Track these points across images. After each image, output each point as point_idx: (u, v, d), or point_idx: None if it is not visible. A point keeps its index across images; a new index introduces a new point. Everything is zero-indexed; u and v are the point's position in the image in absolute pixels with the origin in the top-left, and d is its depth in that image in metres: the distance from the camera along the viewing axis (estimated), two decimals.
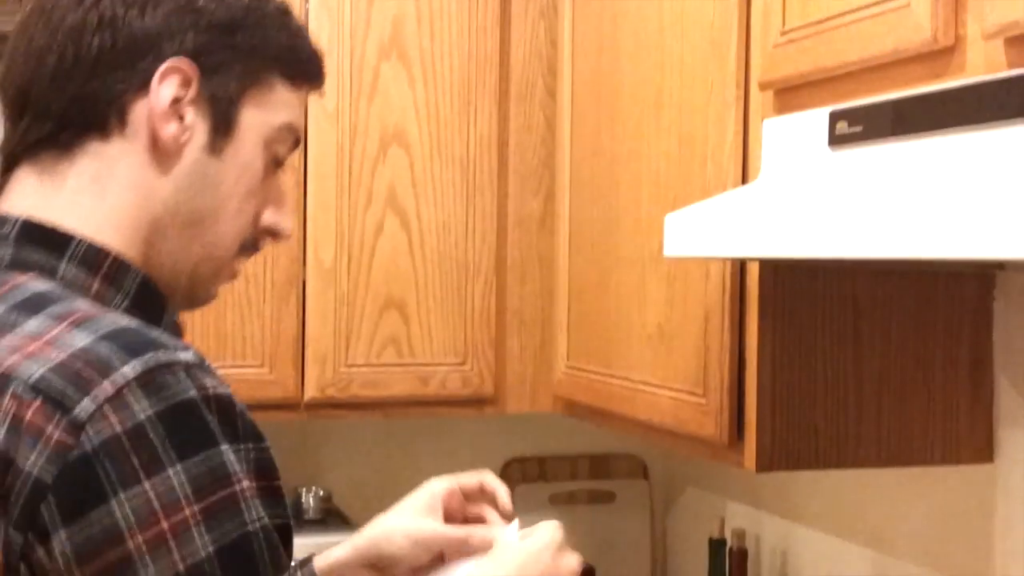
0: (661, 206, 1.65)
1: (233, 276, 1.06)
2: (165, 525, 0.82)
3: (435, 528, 1.29)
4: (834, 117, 1.27)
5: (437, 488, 1.33)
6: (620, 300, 1.85)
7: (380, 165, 2.03)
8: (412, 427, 2.42)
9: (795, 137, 1.36)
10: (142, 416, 0.82)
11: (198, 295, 1.04)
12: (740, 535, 2.11)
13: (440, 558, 1.31)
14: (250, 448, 0.88)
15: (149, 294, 0.97)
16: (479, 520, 1.33)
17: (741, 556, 2.09)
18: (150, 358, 0.84)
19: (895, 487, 1.86)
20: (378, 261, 2.04)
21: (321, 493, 2.21)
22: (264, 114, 1.01)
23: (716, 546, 2.16)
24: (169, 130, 0.96)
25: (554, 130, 2.11)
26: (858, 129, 1.24)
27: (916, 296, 1.54)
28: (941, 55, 1.17)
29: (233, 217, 1.00)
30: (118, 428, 0.81)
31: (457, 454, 2.46)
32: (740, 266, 1.53)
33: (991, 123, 1.07)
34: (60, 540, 0.80)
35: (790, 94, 1.42)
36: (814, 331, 1.50)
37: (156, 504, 0.81)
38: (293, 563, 1.27)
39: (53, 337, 0.85)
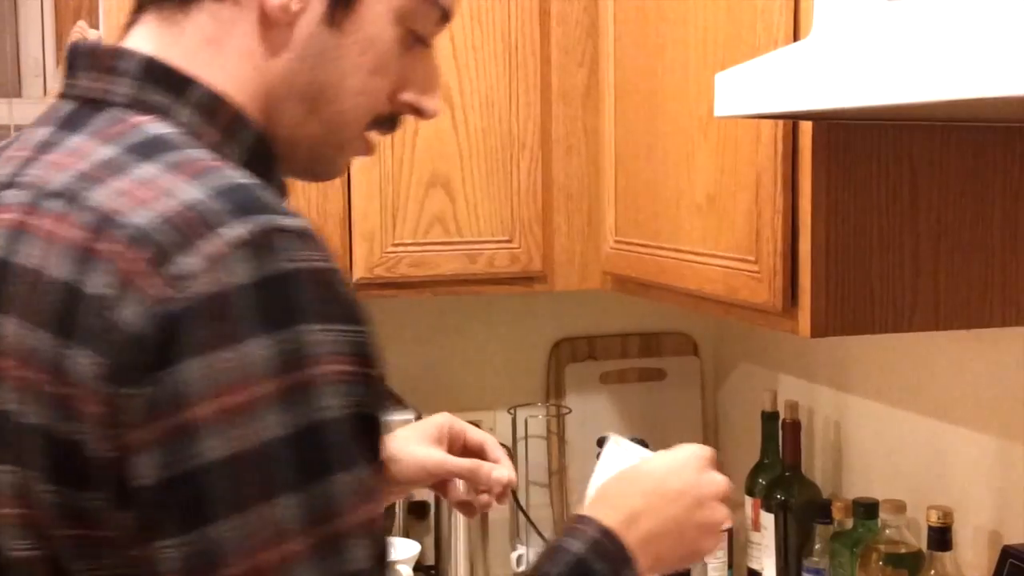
0: (709, 70, 1.61)
1: (367, 152, 1.01)
2: (240, 398, 0.77)
3: (444, 457, 1.29)
4: None
5: (442, 420, 1.33)
6: (668, 170, 1.82)
7: None
8: (462, 308, 2.42)
9: None
10: (238, 280, 0.77)
11: (319, 169, 1.01)
12: (793, 407, 2.10)
13: (441, 485, 1.34)
14: (344, 330, 0.81)
15: (263, 152, 0.93)
16: (479, 455, 1.35)
17: (794, 428, 2.08)
18: (260, 220, 0.79)
19: (950, 352, 1.84)
20: (422, 137, 2.01)
21: None
22: None
23: (769, 419, 2.15)
24: (275, 0, 0.91)
25: None
26: None
27: (974, 153, 1.50)
28: None
29: (356, 94, 0.95)
30: (214, 288, 0.77)
31: (507, 335, 2.47)
32: (792, 126, 1.49)
33: None
34: (140, 394, 0.76)
35: None
36: (869, 191, 1.47)
37: (232, 376, 0.76)
38: None
39: (165, 186, 0.81)
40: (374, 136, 1.00)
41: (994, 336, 1.72)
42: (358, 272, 2.00)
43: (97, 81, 0.90)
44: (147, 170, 0.83)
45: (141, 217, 0.79)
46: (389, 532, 0.85)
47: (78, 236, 0.80)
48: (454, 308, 2.42)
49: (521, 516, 2.33)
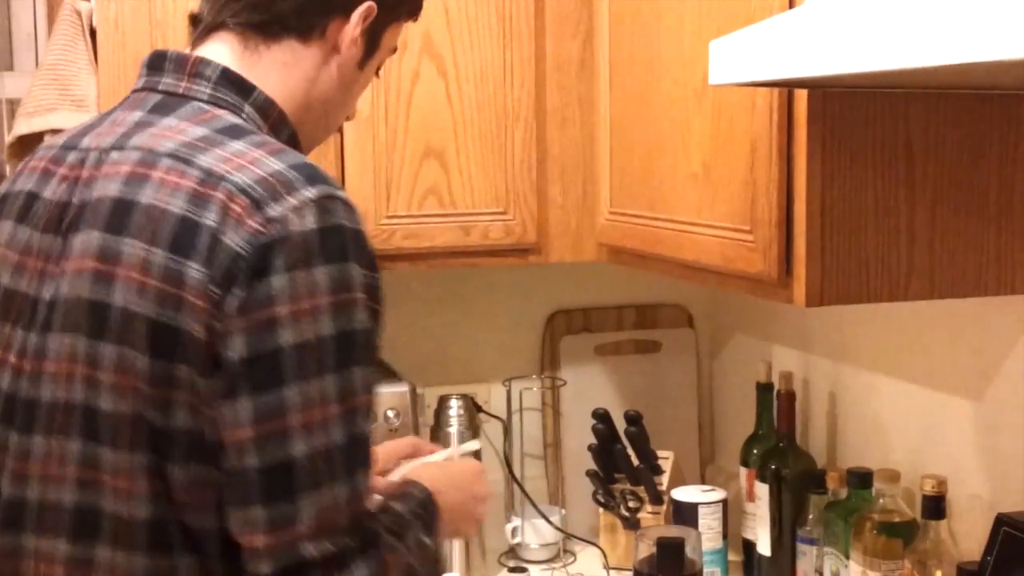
0: (704, 38, 1.60)
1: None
2: (307, 305, 1.10)
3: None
4: None
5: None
6: (663, 141, 1.82)
7: None
8: (457, 281, 2.42)
9: None
10: (311, 226, 1.12)
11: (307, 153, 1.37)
12: (788, 378, 2.10)
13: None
14: (366, 274, 1.17)
15: (294, 144, 1.29)
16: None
17: (789, 399, 2.09)
18: (323, 188, 1.15)
19: (945, 321, 1.84)
20: (416, 109, 2.00)
21: None
22: (389, 41, 1.39)
23: (764, 390, 2.15)
24: (353, 51, 1.32)
25: None
26: None
27: (970, 121, 1.50)
28: None
29: (348, 110, 1.40)
30: (295, 229, 1.11)
31: (502, 307, 2.47)
32: (788, 95, 1.49)
33: None
34: (237, 295, 1.10)
35: None
36: (864, 159, 1.47)
37: (303, 289, 1.10)
38: None
39: (254, 158, 1.16)
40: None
41: (989, 305, 1.73)
42: None
43: (182, 81, 1.26)
44: (237, 145, 1.18)
45: (239, 177, 1.14)
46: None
47: (190, 185, 1.14)
48: (449, 281, 2.41)
49: (516, 487, 2.33)
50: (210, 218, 1.12)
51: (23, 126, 1.97)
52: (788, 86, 1.44)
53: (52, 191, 1.24)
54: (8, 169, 2.04)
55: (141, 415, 1.13)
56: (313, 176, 1.16)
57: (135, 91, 1.30)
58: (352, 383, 1.13)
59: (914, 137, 1.48)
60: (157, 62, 1.29)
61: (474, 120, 2.03)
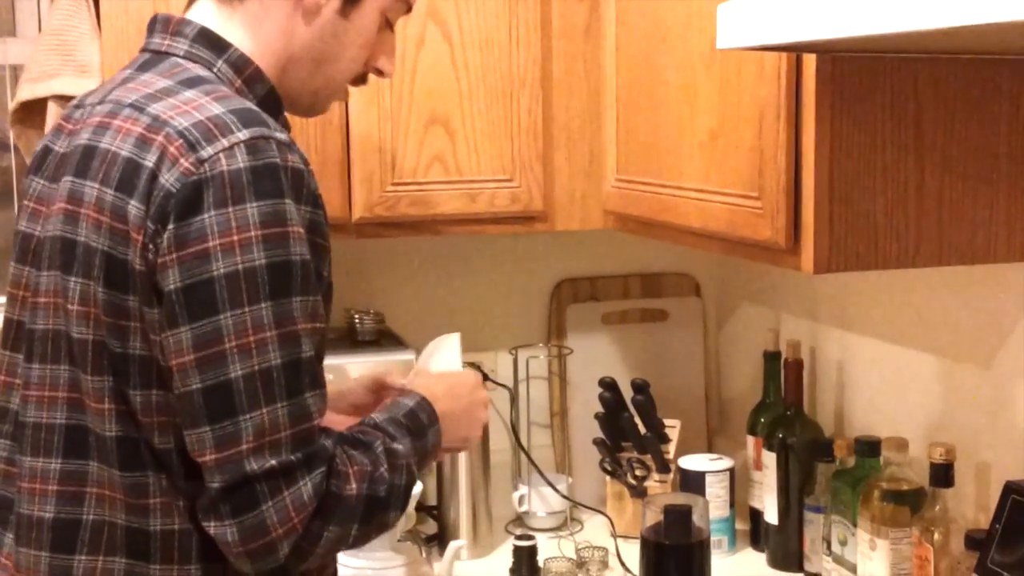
0: (712, 3, 1.58)
1: (345, 97, 1.50)
2: (236, 238, 1.18)
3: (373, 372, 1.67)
4: None
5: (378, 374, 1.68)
6: (670, 106, 1.80)
7: None
8: (464, 249, 2.41)
9: None
10: (241, 165, 1.19)
11: (316, 108, 1.47)
12: (795, 346, 2.09)
13: (378, 400, 1.57)
14: (307, 210, 1.24)
15: (272, 99, 1.36)
16: None
17: (796, 367, 2.08)
18: (256, 130, 1.21)
19: (954, 289, 1.83)
20: (420, 76, 1.99)
21: (374, 315, 2.22)
22: None
23: (771, 358, 2.15)
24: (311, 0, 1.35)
25: None
26: None
27: (980, 86, 1.48)
28: None
29: (348, 62, 1.41)
30: (224, 168, 1.18)
31: (509, 275, 2.46)
32: (796, 60, 1.47)
33: None
34: (170, 230, 1.18)
35: None
36: (874, 125, 1.45)
37: (233, 224, 1.18)
38: None
39: (199, 104, 1.24)
40: (350, 88, 1.48)
41: (998, 272, 1.71)
42: (357, 211, 1.99)
43: (165, 39, 1.35)
44: (189, 94, 1.26)
45: (179, 122, 1.22)
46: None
47: (139, 130, 1.24)
48: (454, 248, 2.40)
49: (522, 456, 2.33)
50: (150, 159, 1.21)
51: (26, 92, 1.96)
52: (797, 50, 1.43)
53: (60, 144, 1.37)
54: (12, 134, 2.03)
55: (103, 342, 1.24)
56: (249, 120, 1.22)
57: (139, 52, 1.40)
58: (289, 310, 1.20)
59: (923, 102, 1.46)
60: (151, 24, 1.39)
61: (479, 87, 2.02)
